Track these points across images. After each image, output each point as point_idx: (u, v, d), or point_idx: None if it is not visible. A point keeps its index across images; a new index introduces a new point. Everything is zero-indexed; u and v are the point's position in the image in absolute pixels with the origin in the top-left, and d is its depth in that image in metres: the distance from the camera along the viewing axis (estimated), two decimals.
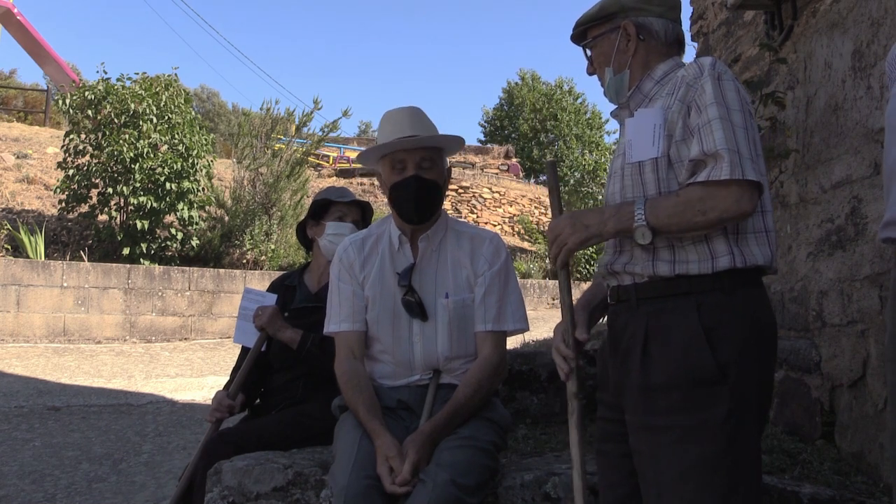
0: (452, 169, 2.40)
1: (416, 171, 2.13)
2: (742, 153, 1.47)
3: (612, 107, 1.80)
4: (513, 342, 6.40)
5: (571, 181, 18.46)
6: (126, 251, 9.54)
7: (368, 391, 2.10)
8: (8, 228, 9.59)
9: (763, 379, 1.56)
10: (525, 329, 2.20)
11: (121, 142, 9.47)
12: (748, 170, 1.47)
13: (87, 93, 9.91)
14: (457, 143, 2.25)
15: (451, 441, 1.96)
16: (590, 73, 1.81)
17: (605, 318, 1.81)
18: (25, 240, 9.19)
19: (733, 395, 1.49)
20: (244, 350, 2.76)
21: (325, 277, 2.71)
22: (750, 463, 1.51)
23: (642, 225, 1.51)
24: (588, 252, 13.64)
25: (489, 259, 2.18)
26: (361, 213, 2.81)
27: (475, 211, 16.61)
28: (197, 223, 10.20)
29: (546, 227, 16.77)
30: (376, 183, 16.52)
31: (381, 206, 15.21)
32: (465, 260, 2.18)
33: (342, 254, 2.26)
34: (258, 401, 2.70)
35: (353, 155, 19.72)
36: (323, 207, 2.76)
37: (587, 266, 13.52)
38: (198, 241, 10.29)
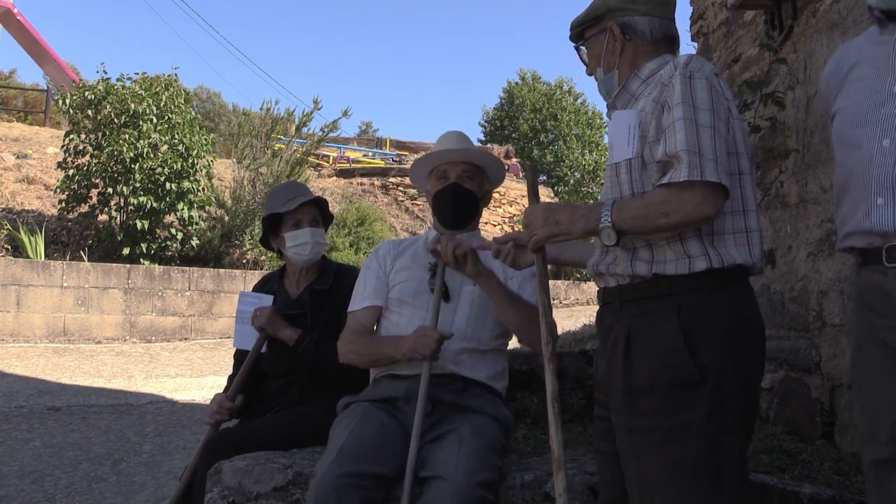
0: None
1: (456, 180, 2.32)
2: (704, 154, 1.45)
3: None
4: (513, 342, 6.37)
5: (571, 181, 18.49)
6: (126, 251, 9.54)
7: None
8: (8, 228, 9.59)
9: (748, 379, 1.55)
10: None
11: (121, 142, 9.47)
12: (708, 171, 1.45)
13: (87, 93, 9.91)
14: (497, 167, 2.43)
15: (465, 434, 1.99)
16: (589, 74, 1.83)
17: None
18: (25, 240, 9.19)
19: (714, 397, 1.48)
20: (239, 355, 2.74)
21: (303, 282, 2.70)
22: (734, 464, 1.50)
23: (607, 226, 1.53)
24: None
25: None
26: (318, 208, 2.71)
27: None
28: (197, 223, 10.20)
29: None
30: (376, 183, 16.53)
31: (380, 205, 15.22)
32: (497, 263, 2.25)
33: (379, 248, 2.47)
34: (256, 404, 2.69)
35: (353, 155, 19.73)
36: (275, 221, 2.68)
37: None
38: (198, 241, 10.29)
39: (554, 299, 12.30)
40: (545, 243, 1.69)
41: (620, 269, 1.60)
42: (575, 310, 10.68)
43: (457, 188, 2.30)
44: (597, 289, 1.80)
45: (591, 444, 1.84)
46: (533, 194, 1.80)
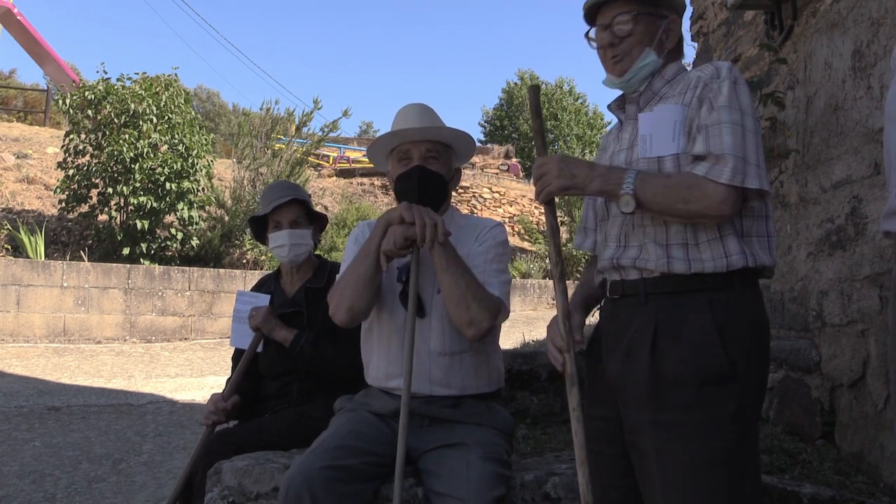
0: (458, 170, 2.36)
1: (420, 161, 2.12)
2: (749, 160, 1.50)
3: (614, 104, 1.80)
4: (512, 342, 6.35)
5: None
6: (126, 251, 9.53)
7: None
8: (8, 228, 9.59)
9: (763, 377, 1.59)
10: (505, 309, 2.05)
11: (121, 142, 9.47)
12: (750, 177, 1.49)
13: (87, 93, 9.91)
14: (465, 142, 2.23)
15: (473, 451, 1.93)
16: (606, 43, 1.70)
17: (597, 313, 1.80)
18: (25, 240, 9.19)
19: (742, 393, 1.51)
20: (236, 355, 2.74)
21: (297, 281, 2.70)
22: (753, 459, 1.53)
23: (629, 194, 1.53)
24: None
25: (480, 239, 2.14)
26: (303, 208, 2.68)
27: (475, 211, 16.59)
28: (197, 223, 10.19)
29: (546, 228, 16.65)
30: (376, 183, 16.52)
31: (380, 206, 15.21)
32: (464, 252, 2.09)
33: (357, 234, 2.27)
34: (255, 405, 2.68)
35: (353, 155, 19.73)
36: (259, 224, 2.70)
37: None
38: (198, 241, 10.29)
39: (553, 299, 12.27)
40: (560, 195, 1.67)
41: (652, 264, 1.59)
42: None
43: (422, 171, 2.09)
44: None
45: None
46: (540, 136, 1.74)
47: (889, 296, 1.52)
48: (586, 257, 1.89)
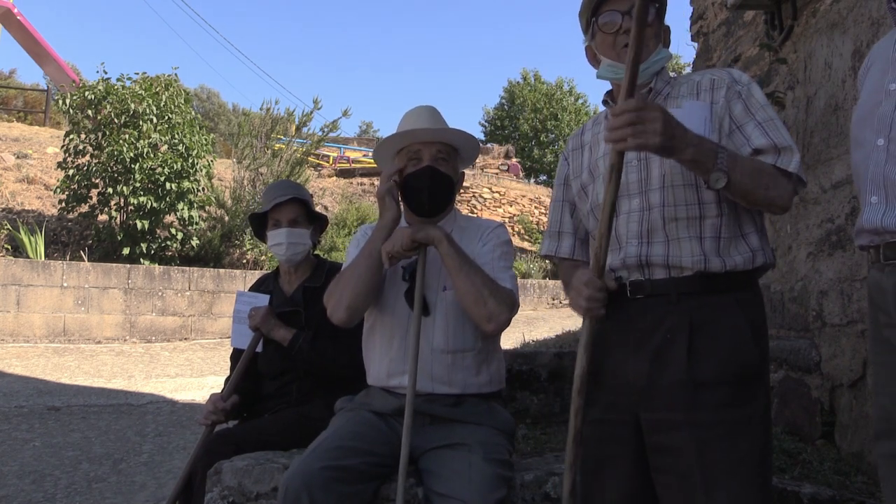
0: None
1: (431, 162, 2.11)
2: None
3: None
4: (513, 342, 6.34)
5: None
6: (126, 251, 9.53)
7: None
8: (8, 228, 9.59)
9: None
10: (517, 302, 2.08)
11: (121, 142, 9.46)
12: (803, 174, 1.58)
13: (87, 93, 9.91)
14: (472, 147, 2.24)
15: (475, 451, 1.93)
16: (626, 29, 1.63)
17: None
18: (25, 240, 9.19)
19: (766, 390, 1.57)
20: (235, 355, 2.74)
21: (296, 280, 2.70)
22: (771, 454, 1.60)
23: (722, 170, 1.47)
24: None
25: (484, 239, 2.16)
26: (303, 208, 2.69)
27: (475, 211, 16.59)
28: (197, 223, 10.19)
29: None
30: (377, 183, 16.48)
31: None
32: (469, 253, 2.10)
33: (359, 239, 2.27)
34: (255, 405, 2.68)
35: (353, 155, 19.73)
36: (259, 222, 2.72)
37: None
38: (198, 241, 10.29)
39: (554, 299, 12.29)
40: (646, 151, 1.52)
41: (687, 261, 1.58)
42: None
43: (434, 172, 2.09)
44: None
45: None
46: (640, 24, 1.45)
47: (867, 302, 1.56)
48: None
